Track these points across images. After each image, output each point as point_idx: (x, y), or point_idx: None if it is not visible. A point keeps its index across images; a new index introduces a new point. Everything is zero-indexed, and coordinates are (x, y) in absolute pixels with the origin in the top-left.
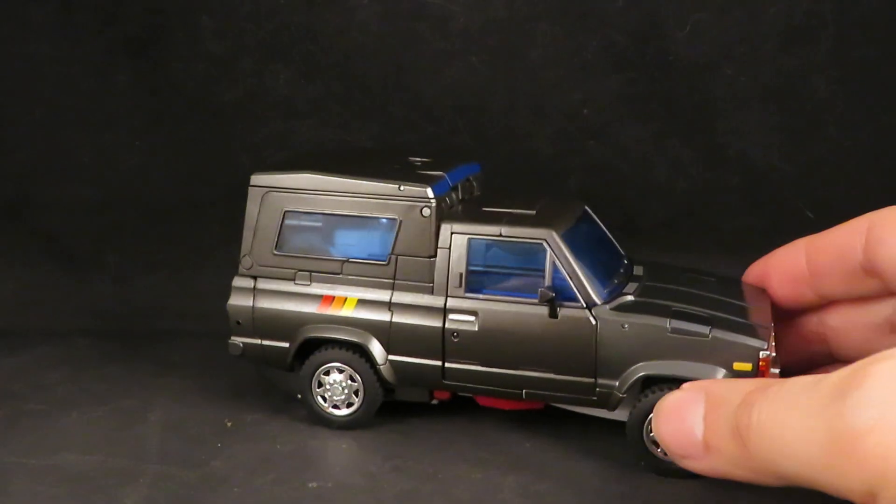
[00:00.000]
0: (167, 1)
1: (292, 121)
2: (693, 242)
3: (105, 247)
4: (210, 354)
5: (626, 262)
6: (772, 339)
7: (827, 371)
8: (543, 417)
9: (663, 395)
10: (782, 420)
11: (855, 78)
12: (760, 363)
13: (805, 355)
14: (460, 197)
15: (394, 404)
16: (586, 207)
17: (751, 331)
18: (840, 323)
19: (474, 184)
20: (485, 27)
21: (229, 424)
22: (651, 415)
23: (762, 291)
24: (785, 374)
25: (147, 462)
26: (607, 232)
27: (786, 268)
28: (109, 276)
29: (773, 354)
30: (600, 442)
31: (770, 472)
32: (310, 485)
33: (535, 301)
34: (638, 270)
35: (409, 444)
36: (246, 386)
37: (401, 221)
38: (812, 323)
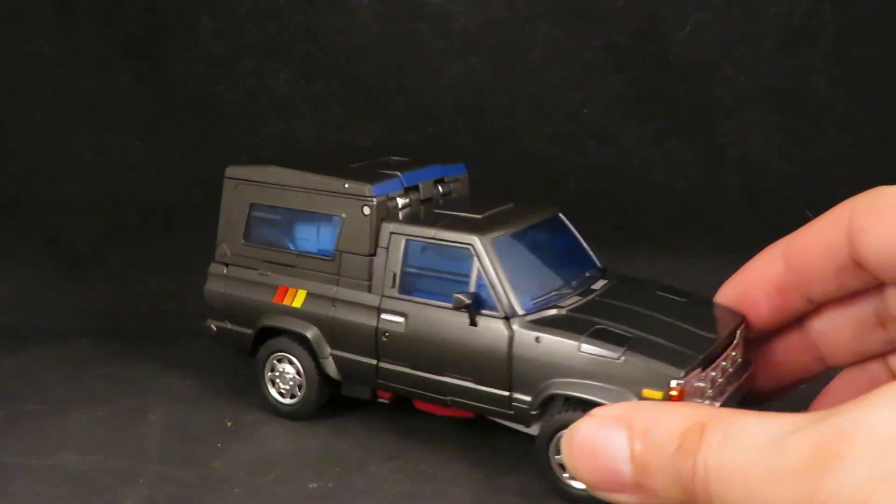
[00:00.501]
0: (167, 1)
1: (292, 121)
2: (693, 242)
3: (105, 247)
4: (210, 354)
5: (588, 273)
6: (712, 369)
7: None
8: None
9: (573, 415)
10: (738, 480)
11: (855, 78)
12: (671, 392)
13: (797, 368)
14: (422, 198)
15: (395, 404)
16: (559, 214)
17: (670, 358)
18: (826, 327)
19: (451, 185)
20: (485, 27)
21: (229, 424)
22: (558, 433)
23: (735, 316)
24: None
25: (147, 462)
26: (580, 241)
27: (766, 279)
28: (109, 276)
29: (702, 384)
30: None
31: None
32: (310, 485)
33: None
34: (599, 284)
35: (409, 444)
36: (246, 386)
37: (344, 218)
38: (797, 334)
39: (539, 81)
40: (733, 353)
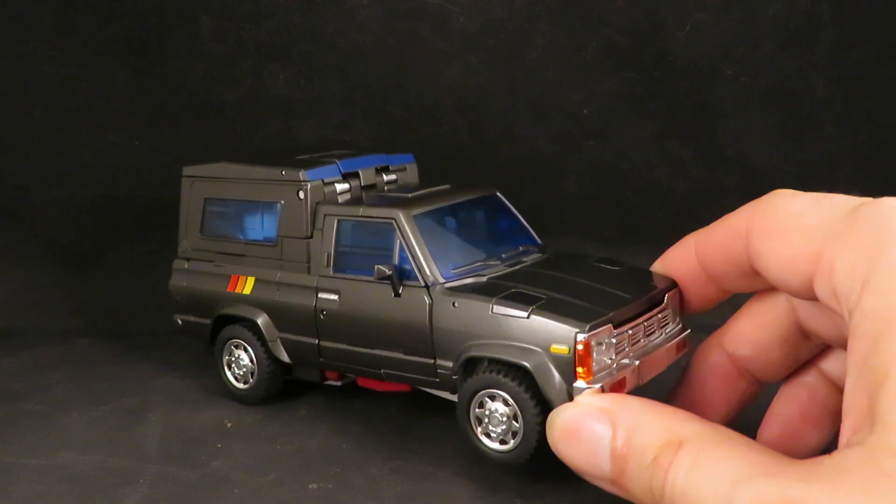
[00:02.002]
0: (167, 1)
1: (292, 121)
2: None
3: (105, 247)
4: (210, 354)
5: (522, 248)
6: (629, 327)
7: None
8: None
9: (484, 377)
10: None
11: (853, 78)
12: (578, 347)
13: (736, 397)
14: (363, 184)
15: (395, 404)
16: (497, 194)
17: (577, 314)
18: (753, 351)
19: (395, 174)
20: (484, 27)
21: (229, 424)
22: (474, 396)
23: (663, 280)
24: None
25: (147, 462)
26: (519, 218)
27: (682, 267)
28: (109, 276)
29: (613, 341)
30: None
31: None
32: (310, 485)
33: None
34: (532, 258)
35: (409, 444)
36: None
37: (283, 204)
38: (726, 365)
39: (539, 81)
40: (660, 315)
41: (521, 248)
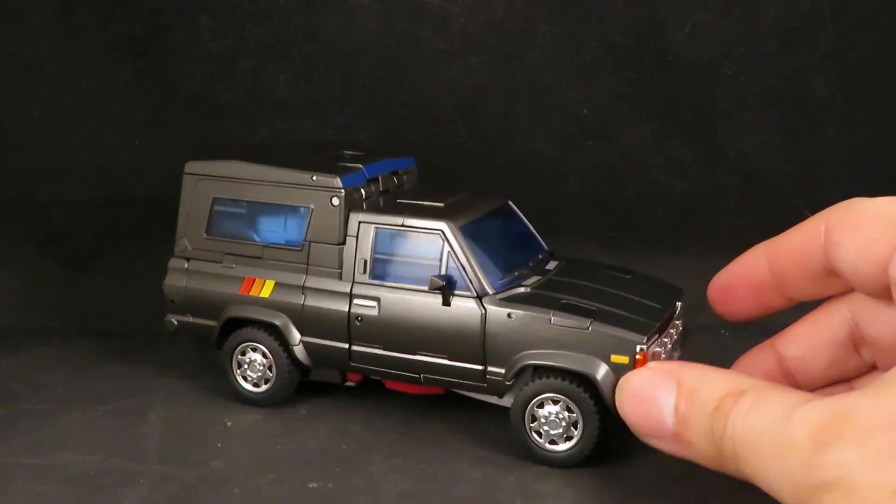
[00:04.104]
0: (167, 1)
1: (292, 121)
2: (693, 242)
3: (105, 247)
4: (210, 354)
5: (541, 256)
6: (663, 336)
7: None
8: None
9: (546, 382)
10: (756, 445)
11: (853, 78)
12: (637, 356)
13: None
14: (381, 189)
15: (396, 405)
16: (509, 202)
17: (632, 325)
18: (802, 352)
19: (404, 178)
20: (484, 27)
21: (229, 424)
22: (531, 402)
23: (674, 290)
24: None
25: (147, 462)
26: (529, 226)
27: (749, 276)
28: (109, 276)
29: (658, 350)
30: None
31: (740, 476)
32: (310, 485)
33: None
34: (552, 265)
35: (409, 444)
36: None
37: (313, 209)
38: (769, 365)
39: (539, 82)
40: (677, 322)
41: (539, 256)
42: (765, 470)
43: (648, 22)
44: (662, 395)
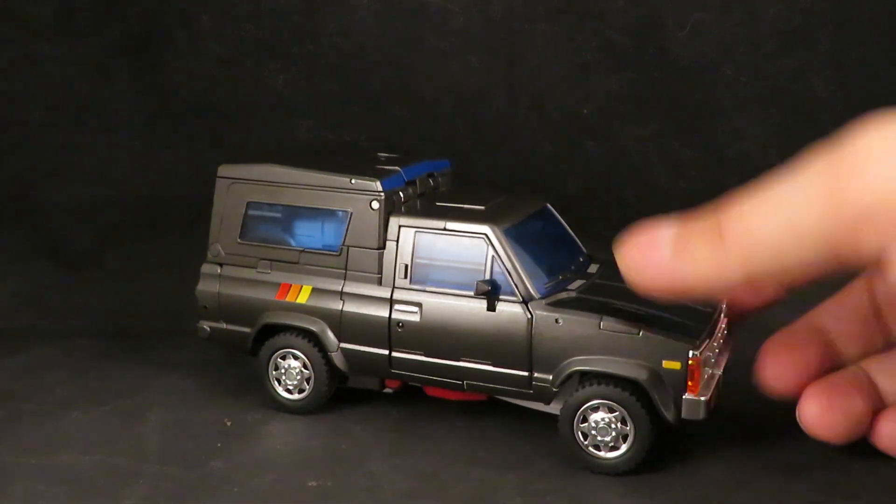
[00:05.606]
0: (167, 1)
1: (292, 121)
2: None
3: (105, 247)
4: (210, 354)
5: (581, 259)
6: (713, 341)
7: None
8: (543, 417)
9: (595, 389)
10: (773, 200)
11: (853, 78)
12: (690, 362)
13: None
14: (419, 192)
15: (396, 405)
16: (547, 205)
17: (682, 330)
18: (830, 322)
19: (439, 180)
20: (485, 27)
21: (229, 424)
22: (581, 408)
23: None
24: None
25: (147, 462)
26: (568, 230)
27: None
28: (109, 276)
29: (709, 354)
30: None
31: (741, 267)
32: (309, 484)
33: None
34: (593, 268)
35: (409, 444)
36: (246, 386)
37: (352, 213)
38: (815, 336)
39: (539, 81)
40: (722, 326)
41: (580, 259)
42: (787, 220)
43: (648, 22)
44: (660, 230)
